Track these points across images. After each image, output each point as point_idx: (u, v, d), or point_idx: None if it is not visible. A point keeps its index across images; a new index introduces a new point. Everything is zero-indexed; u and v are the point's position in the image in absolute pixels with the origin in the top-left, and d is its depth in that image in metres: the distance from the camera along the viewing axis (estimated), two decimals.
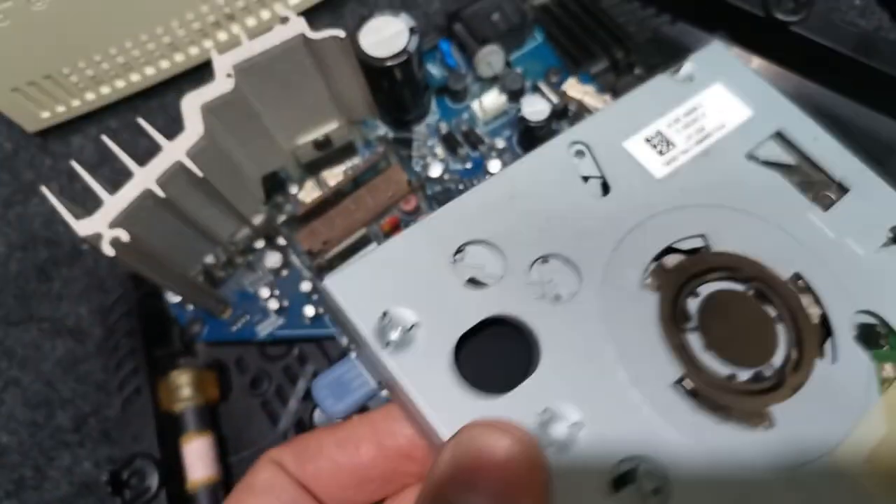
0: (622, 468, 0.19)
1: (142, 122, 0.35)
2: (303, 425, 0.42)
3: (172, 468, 0.40)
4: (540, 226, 0.25)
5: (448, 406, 0.20)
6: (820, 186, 0.28)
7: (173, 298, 0.43)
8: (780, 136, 0.30)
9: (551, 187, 0.27)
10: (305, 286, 0.43)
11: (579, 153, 0.29)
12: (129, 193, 0.33)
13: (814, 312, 0.24)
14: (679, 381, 0.21)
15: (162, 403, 0.41)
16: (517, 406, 0.20)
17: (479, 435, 0.17)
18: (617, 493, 0.18)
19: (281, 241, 0.44)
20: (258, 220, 0.43)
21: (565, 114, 0.46)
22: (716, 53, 0.33)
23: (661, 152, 0.29)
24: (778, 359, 0.22)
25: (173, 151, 0.34)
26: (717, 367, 0.22)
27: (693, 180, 0.28)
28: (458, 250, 0.24)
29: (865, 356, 0.22)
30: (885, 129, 0.47)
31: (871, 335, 0.23)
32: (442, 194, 0.44)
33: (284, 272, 0.44)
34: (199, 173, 0.34)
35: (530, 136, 0.44)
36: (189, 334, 0.44)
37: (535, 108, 0.42)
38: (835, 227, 0.26)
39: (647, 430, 0.20)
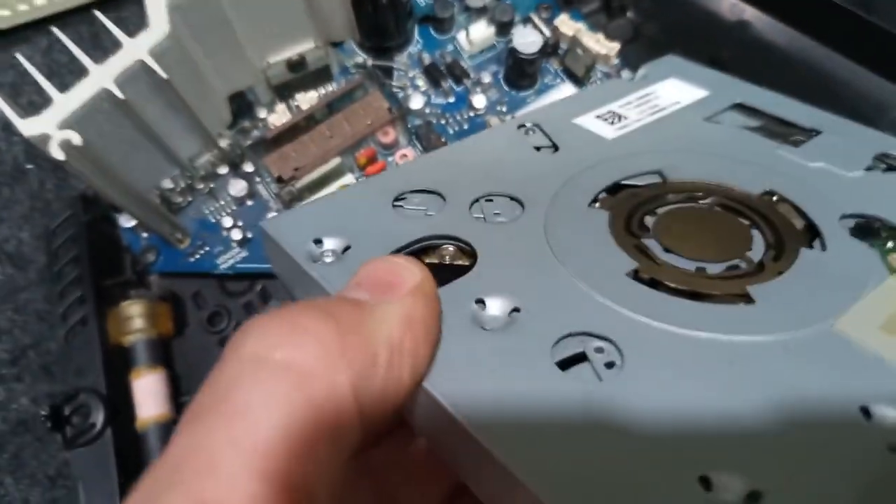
0: (569, 349, 0.16)
1: (99, 14, 0.32)
2: None
3: (120, 405, 0.37)
4: (485, 173, 0.24)
5: None
6: (789, 134, 0.27)
7: (126, 223, 0.40)
8: (740, 108, 0.29)
9: (499, 150, 0.26)
10: (271, 216, 0.40)
11: (528, 131, 0.28)
12: (83, 92, 0.30)
13: (795, 221, 0.22)
14: (634, 275, 0.19)
15: (111, 336, 0.38)
16: (448, 300, 0.18)
17: (401, 260, 0.17)
18: (566, 370, 0.16)
19: (247, 168, 0.41)
20: (223, 143, 0.40)
21: (555, 51, 0.43)
22: (670, 61, 0.34)
23: (611, 123, 0.28)
24: (755, 254, 0.20)
25: (135, 49, 0.30)
26: (682, 263, 0.20)
27: (648, 138, 0.27)
28: (399, 198, 0.23)
29: (862, 244, 0.20)
30: (877, 89, 0.46)
31: (867, 230, 0.21)
32: (422, 128, 0.42)
33: (249, 202, 0.41)
34: (164, 74, 0.30)
35: (519, 71, 0.42)
36: (142, 263, 0.41)
37: (527, 39, 0.40)
38: (809, 157, 0.24)
39: (592, 310, 0.17)
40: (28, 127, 0.29)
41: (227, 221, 0.40)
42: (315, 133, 0.39)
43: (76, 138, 0.29)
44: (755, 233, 0.21)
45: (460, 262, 0.20)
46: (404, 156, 0.41)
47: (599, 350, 0.16)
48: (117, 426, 0.36)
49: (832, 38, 0.45)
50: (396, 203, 0.22)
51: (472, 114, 0.43)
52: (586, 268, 0.19)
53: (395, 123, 0.41)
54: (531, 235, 0.20)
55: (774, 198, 0.22)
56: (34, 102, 0.46)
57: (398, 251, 0.20)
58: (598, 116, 0.28)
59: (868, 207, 0.21)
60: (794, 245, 0.20)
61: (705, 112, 0.28)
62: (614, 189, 0.23)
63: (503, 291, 0.18)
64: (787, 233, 0.21)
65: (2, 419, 0.41)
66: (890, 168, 0.24)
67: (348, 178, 0.40)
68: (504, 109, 0.43)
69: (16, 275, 0.43)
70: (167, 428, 0.37)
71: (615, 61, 0.43)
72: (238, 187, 0.40)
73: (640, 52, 0.45)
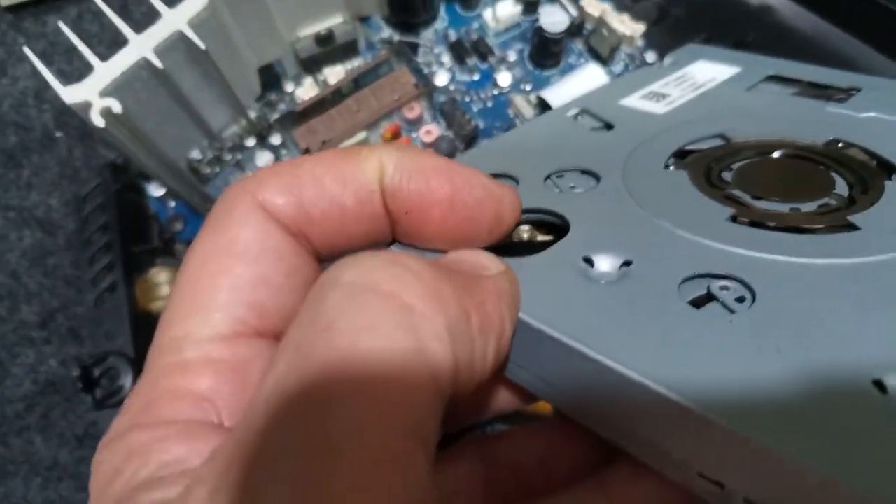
0: (692, 293, 0.16)
1: None
2: None
3: None
4: (549, 153, 0.24)
5: None
6: (829, 95, 0.28)
7: (155, 192, 0.41)
8: (775, 79, 0.30)
9: (555, 134, 0.27)
10: None
11: (578, 116, 0.29)
12: (123, 61, 0.30)
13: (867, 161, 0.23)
14: (733, 220, 0.19)
15: (139, 301, 0.39)
16: (553, 261, 0.18)
17: (485, 252, 0.17)
18: (699, 309, 0.16)
19: (274, 140, 0.42)
20: (251, 115, 0.41)
21: (580, 31, 0.44)
22: (693, 48, 0.35)
23: (657, 101, 0.29)
24: (841, 191, 0.21)
25: (174, 19, 0.31)
26: (775, 206, 0.20)
27: (699, 108, 0.27)
28: None
29: None
30: None
31: None
32: (447, 105, 0.42)
33: None
34: (202, 45, 0.31)
35: (545, 50, 0.42)
36: (169, 232, 0.41)
37: (555, 18, 0.40)
38: (859, 109, 0.25)
39: (705, 254, 0.17)
40: (70, 94, 0.30)
41: None
42: (342, 107, 0.39)
43: (116, 106, 0.30)
44: (834, 175, 0.21)
45: (540, 239, 0.20)
46: (428, 132, 0.42)
47: (725, 288, 0.16)
48: None
49: (854, 24, 0.46)
50: None
51: (496, 91, 0.43)
52: (684, 219, 0.19)
53: (421, 99, 0.41)
54: (617, 199, 0.21)
55: (840, 144, 0.23)
56: (63, 71, 0.46)
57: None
58: (642, 97, 0.29)
59: None
60: (876, 180, 0.21)
61: (745, 84, 0.29)
62: (681, 154, 0.24)
63: (608, 248, 0.18)
64: (864, 171, 0.21)
65: (32, 380, 0.42)
66: None
67: None
68: (528, 88, 0.43)
69: (45, 240, 0.44)
70: None
71: (639, 43, 0.44)
72: (265, 159, 0.41)
73: (664, 34, 0.45)
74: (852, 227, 0.18)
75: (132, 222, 0.41)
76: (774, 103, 0.28)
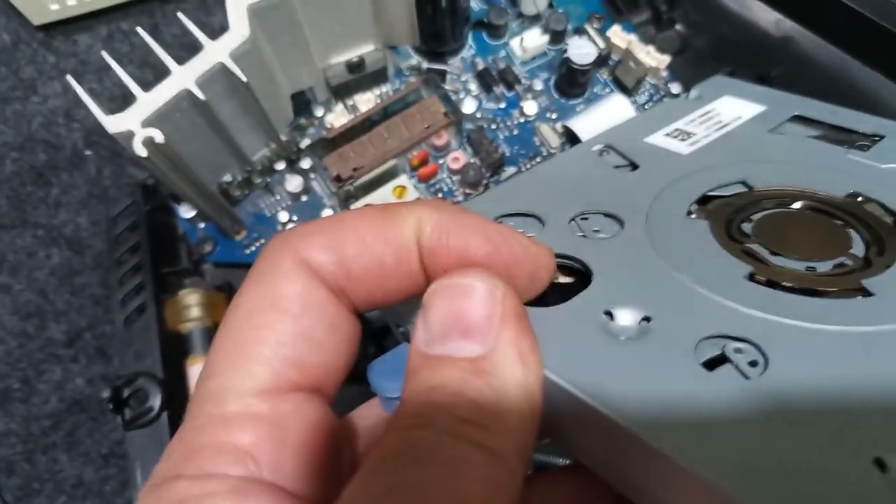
0: (707, 353, 0.17)
1: (182, 16, 0.33)
2: None
3: (176, 390, 0.38)
4: (574, 194, 0.25)
5: None
6: (852, 140, 0.28)
7: (186, 214, 0.41)
8: (799, 119, 0.30)
9: (581, 172, 0.27)
10: (326, 213, 0.41)
11: (603, 152, 0.29)
12: (165, 92, 0.31)
13: (885, 219, 0.23)
14: (751, 278, 0.19)
15: (168, 323, 0.39)
16: (575, 313, 0.18)
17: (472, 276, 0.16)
18: (712, 372, 0.16)
19: (303, 164, 0.42)
20: (282, 138, 0.41)
21: (606, 61, 0.44)
22: (719, 81, 0.35)
23: (682, 140, 0.29)
24: (857, 250, 0.21)
25: (216, 52, 0.31)
26: (792, 264, 0.20)
27: (722, 151, 0.28)
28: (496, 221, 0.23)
29: None
30: None
31: None
32: (475, 133, 0.43)
33: (304, 197, 0.42)
34: (243, 77, 0.31)
35: (571, 80, 0.42)
36: (198, 253, 0.42)
37: (582, 50, 0.41)
38: (881, 160, 0.25)
39: (723, 314, 0.18)
40: (113, 124, 0.30)
41: (283, 216, 0.41)
42: (373, 134, 0.40)
43: (159, 136, 0.30)
44: (851, 232, 0.22)
45: (562, 280, 0.21)
46: (456, 159, 0.42)
47: (739, 351, 0.17)
48: (173, 410, 0.38)
49: (877, 59, 0.46)
50: None
51: (522, 119, 0.44)
52: (704, 275, 0.19)
53: (449, 126, 0.42)
54: (639, 249, 0.21)
55: (859, 199, 0.23)
56: (94, 90, 0.47)
57: None
58: (667, 135, 0.29)
59: None
60: (893, 240, 0.21)
61: (768, 125, 0.29)
62: (703, 200, 0.24)
63: (629, 302, 0.18)
64: (882, 229, 0.22)
65: (58, 398, 0.42)
66: None
67: (402, 179, 0.41)
68: (554, 116, 0.44)
69: (73, 258, 0.44)
70: None
71: (664, 74, 0.44)
72: (294, 183, 0.41)
73: (687, 65, 0.46)
74: (866, 293, 0.19)
75: (162, 243, 0.41)
76: (796, 148, 0.28)
